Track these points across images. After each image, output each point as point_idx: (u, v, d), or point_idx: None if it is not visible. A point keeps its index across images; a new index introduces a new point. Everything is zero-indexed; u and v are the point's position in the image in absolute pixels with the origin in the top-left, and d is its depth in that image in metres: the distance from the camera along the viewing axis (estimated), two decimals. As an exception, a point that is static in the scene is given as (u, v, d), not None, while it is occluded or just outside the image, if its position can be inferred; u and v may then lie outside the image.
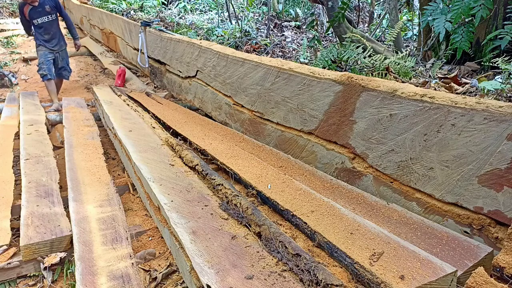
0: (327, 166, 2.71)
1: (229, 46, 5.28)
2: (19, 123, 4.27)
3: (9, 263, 2.18)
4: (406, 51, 4.21)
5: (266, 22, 7.10)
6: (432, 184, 2.06)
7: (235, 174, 2.59)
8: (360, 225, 1.82)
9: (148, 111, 4.34)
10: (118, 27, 7.92)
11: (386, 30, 6.36)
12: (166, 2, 10.83)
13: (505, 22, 3.41)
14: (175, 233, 1.91)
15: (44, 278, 2.19)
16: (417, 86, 2.82)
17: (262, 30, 7.33)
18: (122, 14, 8.79)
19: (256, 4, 9.94)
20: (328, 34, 6.93)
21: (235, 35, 6.41)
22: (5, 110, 4.79)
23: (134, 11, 9.22)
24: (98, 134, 3.84)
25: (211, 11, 10.13)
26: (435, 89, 3.04)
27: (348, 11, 5.45)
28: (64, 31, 6.04)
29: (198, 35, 6.57)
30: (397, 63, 3.64)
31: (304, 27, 8.11)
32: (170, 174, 2.60)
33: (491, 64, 3.48)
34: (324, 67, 3.96)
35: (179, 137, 3.44)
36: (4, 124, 4.28)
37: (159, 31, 5.81)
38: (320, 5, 6.63)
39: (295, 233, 1.97)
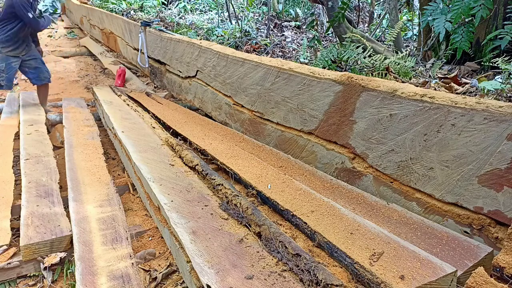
0: (327, 166, 2.71)
1: (229, 46, 5.28)
2: (19, 123, 4.27)
3: (9, 263, 2.18)
4: (406, 51, 4.21)
5: (266, 22, 7.09)
6: (432, 184, 2.06)
7: (235, 174, 2.59)
8: (360, 225, 1.82)
9: (148, 111, 4.33)
10: (118, 27, 7.92)
11: (386, 30, 6.36)
12: (166, 2, 10.83)
13: (505, 22, 3.41)
14: (175, 233, 1.91)
15: (44, 278, 2.19)
16: (417, 86, 2.82)
17: (262, 30, 7.33)
18: (122, 14, 8.79)
19: (256, 4, 9.94)
20: (328, 34, 6.93)
21: (235, 35, 6.40)
22: (5, 110, 4.79)
23: (134, 11, 9.22)
24: (98, 134, 3.83)
25: (211, 11, 10.13)
26: (435, 89, 3.04)
27: (348, 11, 5.45)
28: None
29: (198, 35, 6.56)
30: (397, 63, 3.64)
31: (304, 27, 8.11)
32: (170, 174, 2.60)
33: (491, 64, 3.48)
34: (324, 67, 3.96)
35: (179, 137, 3.43)
36: (4, 124, 4.28)
37: (159, 31, 5.80)
38: (320, 5, 6.63)
39: (295, 233, 1.97)
